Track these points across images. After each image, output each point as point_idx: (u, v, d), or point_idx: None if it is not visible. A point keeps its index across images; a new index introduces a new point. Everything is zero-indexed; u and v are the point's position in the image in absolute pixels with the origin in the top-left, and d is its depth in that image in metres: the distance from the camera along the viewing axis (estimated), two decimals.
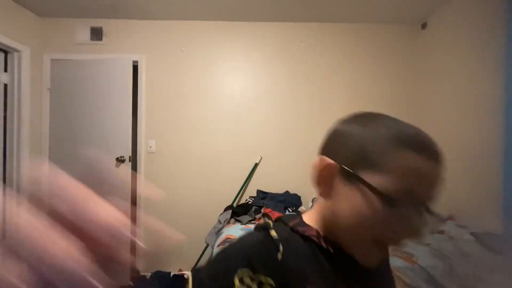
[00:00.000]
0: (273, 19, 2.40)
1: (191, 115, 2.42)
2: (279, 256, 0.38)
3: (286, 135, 2.42)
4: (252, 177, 2.41)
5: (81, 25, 2.40)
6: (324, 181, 0.40)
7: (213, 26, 2.43)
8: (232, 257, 0.39)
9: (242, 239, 0.43)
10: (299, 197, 2.34)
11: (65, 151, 2.36)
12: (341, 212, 0.39)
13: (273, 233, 0.41)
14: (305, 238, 0.42)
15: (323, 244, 0.41)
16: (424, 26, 2.37)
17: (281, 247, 0.39)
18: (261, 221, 0.46)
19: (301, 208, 2.23)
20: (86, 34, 2.40)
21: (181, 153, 2.41)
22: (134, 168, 2.39)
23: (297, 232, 0.43)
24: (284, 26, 2.44)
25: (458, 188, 1.95)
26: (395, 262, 1.33)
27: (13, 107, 2.17)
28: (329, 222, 0.42)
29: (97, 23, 2.41)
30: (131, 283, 2.22)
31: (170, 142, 2.41)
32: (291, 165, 2.41)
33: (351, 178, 0.38)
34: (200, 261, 2.29)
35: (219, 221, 1.94)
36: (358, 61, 2.45)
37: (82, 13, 2.33)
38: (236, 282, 0.35)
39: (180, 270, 2.30)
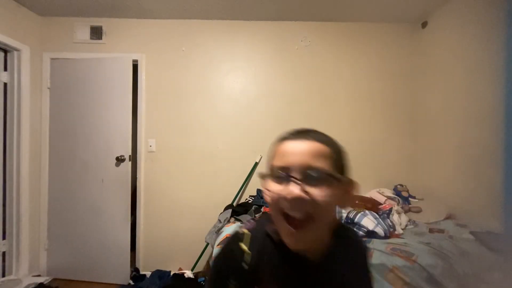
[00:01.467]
0: (273, 18, 2.40)
1: (191, 114, 2.42)
2: (245, 266, 0.49)
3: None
4: (252, 176, 2.41)
5: (81, 24, 2.40)
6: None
7: (213, 25, 2.43)
8: (216, 273, 0.53)
9: (220, 253, 0.54)
10: None
11: (65, 150, 2.36)
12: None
13: (243, 246, 0.52)
14: (274, 242, 0.51)
15: (281, 244, 0.50)
16: (424, 25, 2.36)
17: (248, 259, 0.50)
18: (240, 229, 0.56)
19: None
20: (86, 33, 2.40)
21: (181, 152, 2.41)
22: (134, 167, 2.38)
23: (269, 236, 0.53)
24: (284, 25, 2.44)
25: (458, 187, 1.96)
26: (395, 261, 1.33)
27: (13, 106, 2.17)
28: None
29: (97, 22, 2.41)
30: (131, 282, 2.23)
31: (170, 141, 2.41)
32: None
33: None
34: (200, 260, 2.29)
35: (219, 220, 1.94)
36: (358, 60, 2.45)
37: (82, 12, 2.32)
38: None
39: (180, 269, 2.31)
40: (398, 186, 2.29)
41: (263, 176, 0.52)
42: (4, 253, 2.16)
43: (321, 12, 2.29)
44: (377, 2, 2.14)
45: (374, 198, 2.09)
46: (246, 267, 0.50)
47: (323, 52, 2.45)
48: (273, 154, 0.53)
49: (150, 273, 2.27)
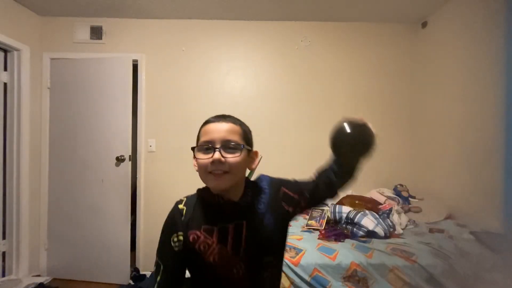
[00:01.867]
0: (273, 18, 2.40)
1: (191, 114, 2.42)
2: (183, 218, 0.69)
3: (286, 134, 2.42)
4: (251, 176, 2.40)
5: (81, 24, 2.40)
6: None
7: (213, 25, 2.43)
8: (162, 233, 0.71)
9: (166, 218, 0.73)
10: None
11: (65, 150, 2.36)
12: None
13: (181, 206, 0.72)
14: (211, 199, 0.70)
15: (210, 199, 0.70)
16: (424, 25, 2.37)
17: (184, 212, 0.70)
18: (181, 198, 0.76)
19: None
20: (86, 33, 2.40)
21: (181, 152, 2.41)
22: (134, 167, 2.39)
23: (200, 196, 0.74)
24: (284, 25, 2.44)
25: (458, 187, 1.96)
26: (395, 261, 1.33)
27: (13, 106, 2.17)
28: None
29: (97, 22, 2.41)
30: (131, 282, 2.23)
31: (170, 141, 2.41)
32: (291, 165, 2.41)
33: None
34: None
35: None
36: (358, 60, 2.45)
37: (82, 12, 2.32)
38: (171, 242, 0.67)
39: None
40: (398, 186, 2.29)
41: (193, 149, 0.73)
42: (4, 253, 2.16)
43: (321, 12, 2.29)
44: (377, 2, 2.14)
45: (374, 198, 2.09)
46: (183, 218, 0.69)
47: (323, 52, 2.45)
48: (200, 133, 0.73)
49: (150, 273, 2.27)
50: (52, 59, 2.38)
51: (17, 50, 2.16)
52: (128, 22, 2.41)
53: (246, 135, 0.74)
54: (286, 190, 0.77)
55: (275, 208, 0.74)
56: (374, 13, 2.31)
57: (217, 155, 0.65)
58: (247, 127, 0.77)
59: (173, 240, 0.68)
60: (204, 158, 0.67)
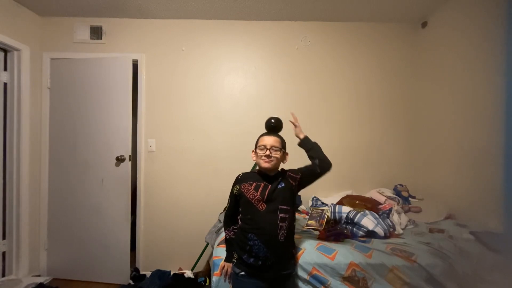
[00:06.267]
0: (273, 18, 2.40)
1: (191, 114, 2.42)
2: (239, 177, 1.36)
3: (286, 134, 2.41)
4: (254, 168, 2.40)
5: (81, 24, 2.40)
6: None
7: (213, 25, 2.43)
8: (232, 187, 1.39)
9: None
10: (299, 196, 2.34)
11: (65, 150, 2.36)
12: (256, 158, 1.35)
13: (239, 175, 1.38)
14: (255, 172, 1.38)
15: (259, 171, 1.36)
16: (424, 25, 2.37)
17: (240, 177, 1.37)
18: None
19: (301, 207, 2.23)
20: (86, 33, 2.40)
21: (181, 152, 2.41)
22: (134, 167, 2.39)
23: (254, 171, 1.40)
24: (284, 25, 2.44)
25: (458, 187, 1.96)
26: (395, 261, 1.33)
27: (13, 106, 2.17)
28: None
29: (96, 22, 2.41)
30: (131, 282, 2.23)
31: (170, 141, 2.41)
32: (291, 164, 2.40)
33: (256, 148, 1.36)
34: (200, 260, 2.29)
35: (219, 220, 1.94)
36: (358, 60, 2.45)
37: (82, 12, 2.32)
38: (233, 190, 1.35)
39: (180, 269, 2.31)
40: (398, 186, 2.29)
41: (255, 147, 1.35)
42: (4, 253, 2.16)
43: (321, 12, 2.29)
44: (377, 2, 2.14)
45: (374, 198, 2.09)
46: (239, 178, 1.36)
47: (323, 52, 2.45)
48: (259, 140, 1.35)
49: (150, 273, 2.27)
50: (52, 59, 2.38)
51: (17, 50, 2.17)
52: (128, 22, 2.42)
53: (283, 143, 1.35)
54: (290, 173, 1.35)
55: (286, 181, 1.30)
56: (374, 13, 2.31)
57: (268, 152, 1.27)
58: (283, 139, 1.37)
59: (235, 188, 1.33)
60: (261, 152, 1.29)
